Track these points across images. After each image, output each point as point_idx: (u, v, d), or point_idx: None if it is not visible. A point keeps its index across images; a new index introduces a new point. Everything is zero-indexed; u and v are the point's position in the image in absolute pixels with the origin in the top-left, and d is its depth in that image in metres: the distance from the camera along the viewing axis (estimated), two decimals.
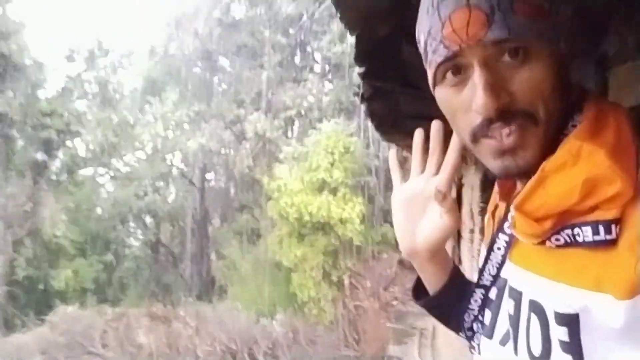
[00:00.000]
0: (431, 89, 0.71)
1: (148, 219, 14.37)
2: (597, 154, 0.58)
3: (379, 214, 12.77)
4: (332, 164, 12.10)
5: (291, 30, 16.66)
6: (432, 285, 0.84)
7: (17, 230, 11.26)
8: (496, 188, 0.78)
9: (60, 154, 13.14)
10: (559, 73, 0.64)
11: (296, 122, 16.06)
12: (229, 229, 13.77)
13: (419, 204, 0.76)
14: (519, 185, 0.72)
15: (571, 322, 0.58)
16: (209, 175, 15.37)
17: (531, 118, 0.62)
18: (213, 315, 10.71)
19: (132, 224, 14.48)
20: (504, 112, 0.61)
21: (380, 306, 11.20)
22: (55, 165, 13.27)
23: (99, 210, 13.73)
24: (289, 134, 15.69)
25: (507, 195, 0.74)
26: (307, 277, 11.26)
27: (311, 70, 16.95)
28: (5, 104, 12.85)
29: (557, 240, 0.59)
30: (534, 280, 0.64)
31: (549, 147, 0.63)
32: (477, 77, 0.62)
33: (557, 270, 0.60)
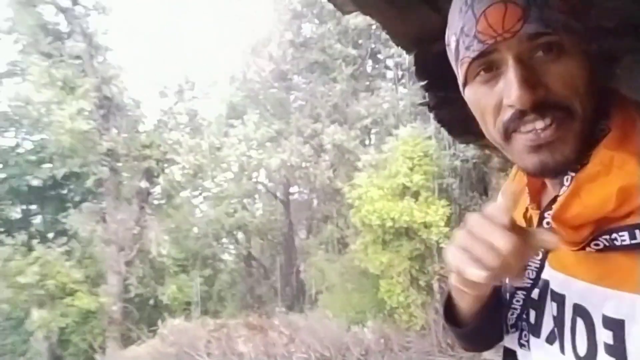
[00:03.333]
0: (461, 89, 0.71)
1: (239, 235, 15.26)
2: (629, 162, 0.58)
3: (464, 215, 12.41)
4: (411, 169, 12.02)
5: (361, 41, 16.86)
6: (474, 309, 0.80)
7: (128, 252, 12.53)
8: (526, 190, 0.76)
9: (160, 180, 14.39)
10: (592, 72, 0.64)
11: (373, 131, 16.16)
12: (314, 239, 14.14)
13: None
14: (549, 187, 0.72)
15: (617, 326, 0.58)
16: (293, 189, 15.95)
17: (567, 112, 0.62)
18: (305, 324, 11.03)
19: (225, 240, 15.46)
20: (539, 104, 0.61)
21: None
22: (156, 191, 14.57)
23: (195, 230, 14.84)
24: (367, 142, 15.83)
25: (536, 198, 0.75)
26: (395, 283, 11.22)
27: (383, 77, 17.00)
28: (111, 140, 14.39)
29: (597, 245, 0.60)
30: (577, 284, 0.64)
31: (585, 145, 0.63)
32: (511, 71, 0.62)
33: (599, 275, 0.61)
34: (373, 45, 17.07)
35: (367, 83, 16.81)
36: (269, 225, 15.00)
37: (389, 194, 11.74)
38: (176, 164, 14.14)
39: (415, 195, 11.71)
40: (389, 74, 17.73)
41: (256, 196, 15.76)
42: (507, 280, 0.76)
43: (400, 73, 16.92)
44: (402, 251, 11.25)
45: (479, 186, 12.34)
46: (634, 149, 0.59)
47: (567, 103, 0.62)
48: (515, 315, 0.77)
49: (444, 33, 0.73)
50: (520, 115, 0.63)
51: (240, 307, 13.04)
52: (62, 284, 11.53)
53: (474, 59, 0.65)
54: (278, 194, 15.41)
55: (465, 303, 0.80)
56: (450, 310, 0.85)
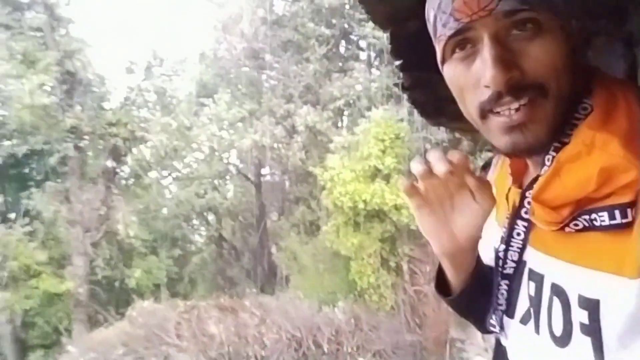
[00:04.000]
0: (440, 66, 0.70)
1: (210, 216, 15.09)
2: (611, 143, 0.57)
3: None
4: (383, 151, 12.10)
5: (334, 21, 16.67)
6: (461, 277, 0.80)
7: (94, 233, 12.23)
8: (507, 169, 0.77)
9: (127, 160, 14.03)
10: (571, 50, 0.63)
11: (345, 112, 16.13)
12: (286, 221, 14.15)
13: (445, 203, 0.69)
14: (530, 167, 0.72)
15: (592, 305, 0.58)
16: (264, 171, 15.84)
17: (542, 91, 0.61)
18: (277, 305, 11.10)
19: (195, 221, 15.27)
20: (514, 86, 0.61)
21: None
22: (124, 171, 14.22)
23: (165, 211, 14.60)
24: (339, 124, 15.80)
25: (519, 178, 0.74)
26: (366, 264, 11.38)
27: (357, 59, 16.91)
28: (75, 117, 13.87)
29: (576, 225, 0.60)
30: (556, 264, 0.64)
31: (559, 125, 0.63)
32: (486, 50, 0.61)
33: (578, 255, 0.61)
34: (346, 26, 16.93)
35: (340, 64, 16.70)
36: (240, 207, 14.91)
37: (360, 176, 11.80)
38: (144, 142, 13.80)
39: (387, 177, 11.82)
40: (362, 55, 17.65)
41: (227, 177, 15.58)
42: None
43: (373, 54, 16.88)
44: (373, 233, 11.38)
45: None
46: (616, 129, 0.58)
47: (543, 82, 0.61)
48: (500, 314, 0.76)
49: (421, 11, 0.72)
50: (497, 97, 0.62)
51: (211, 289, 12.99)
52: (25, 265, 11.19)
53: (450, 37, 0.65)
54: (249, 175, 15.27)
55: (451, 270, 0.80)
56: (441, 281, 0.85)
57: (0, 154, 13.72)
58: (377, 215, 11.63)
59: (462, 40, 0.64)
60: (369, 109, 14.17)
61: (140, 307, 10.77)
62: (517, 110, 0.62)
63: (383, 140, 12.14)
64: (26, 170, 14.62)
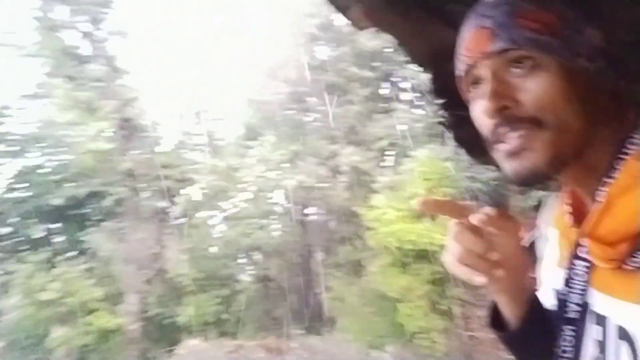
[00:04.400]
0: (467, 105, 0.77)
1: (256, 255, 15.28)
2: None
3: None
4: (429, 190, 12.00)
5: (375, 64, 17.06)
6: (516, 312, 0.77)
7: (147, 271, 12.63)
8: (567, 209, 0.76)
9: (178, 200, 14.55)
10: (576, 84, 0.66)
11: (389, 152, 16.22)
12: (332, 261, 14.11)
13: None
14: (587, 204, 0.71)
15: None
16: (309, 210, 15.99)
17: (537, 123, 0.65)
18: (324, 348, 10.94)
19: (242, 260, 15.48)
20: (509, 117, 0.66)
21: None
22: (175, 211, 14.72)
23: (213, 250, 14.91)
24: (383, 164, 15.89)
25: (579, 217, 0.73)
26: (414, 307, 11.10)
27: (399, 99, 17.13)
28: (130, 161, 14.64)
29: (634, 262, 0.58)
30: (619, 305, 0.62)
31: (565, 156, 0.66)
32: (485, 85, 0.68)
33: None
34: (387, 68, 17.26)
35: (383, 105, 16.93)
36: (286, 247, 15.02)
37: (406, 216, 11.71)
38: (194, 184, 14.31)
39: (433, 217, 11.66)
40: (404, 96, 17.84)
41: (273, 217, 15.83)
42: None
43: (415, 95, 17.05)
44: (422, 275, 11.15)
45: (500, 208, 12.26)
46: None
47: (536, 115, 0.65)
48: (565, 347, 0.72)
49: None
50: (495, 127, 0.67)
51: (258, 329, 12.97)
52: (82, 302, 11.61)
53: (462, 76, 0.73)
54: (295, 215, 15.46)
55: (504, 305, 0.78)
56: (495, 317, 0.81)
57: (63, 195, 14.55)
58: (426, 256, 11.40)
59: (472, 79, 0.72)
60: (412, 148, 14.22)
61: (188, 345, 10.88)
62: (515, 138, 0.66)
63: (429, 180, 12.07)
64: (85, 211, 15.40)
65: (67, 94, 15.07)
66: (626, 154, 0.65)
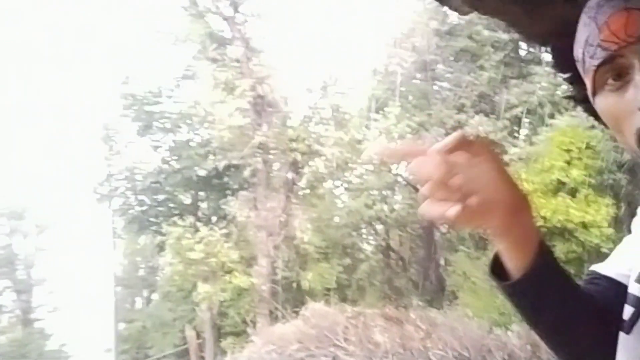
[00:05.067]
0: (591, 99, 0.70)
1: (378, 226, 15.46)
2: None
3: (635, 216, 10.78)
4: (568, 162, 10.84)
5: None
6: (517, 260, 0.69)
7: (276, 237, 13.63)
8: None
9: (305, 172, 15.30)
10: None
11: (524, 121, 14.93)
12: (456, 234, 13.65)
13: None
14: None
15: None
16: None
17: None
18: (444, 321, 10.72)
19: (364, 230, 15.82)
20: None
21: None
22: (302, 182, 15.55)
23: (336, 219, 15.45)
24: (516, 134, 14.70)
25: None
26: None
27: (539, 62, 15.54)
28: (263, 135, 15.71)
29: None
30: None
31: None
32: (638, 73, 0.61)
33: None
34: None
35: (519, 69, 15.53)
36: (408, 218, 14.92)
37: (540, 190, 10.76)
38: (320, 156, 14.85)
39: (572, 192, 10.54)
40: (547, 58, 16.12)
41: (396, 188, 15.78)
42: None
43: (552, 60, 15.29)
44: (555, 253, 10.22)
45: None
46: None
47: None
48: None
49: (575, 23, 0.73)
50: None
51: (378, 298, 13.24)
52: (222, 262, 13.05)
53: (599, 66, 0.65)
54: (418, 187, 15.19)
55: (504, 252, 0.70)
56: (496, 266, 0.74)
57: (206, 167, 16.30)
58: (561, 233, 10.43)
59: (612, 69, 0.64)
60: (552, 116, 12.88)
61: (312, 308, 11.52)
62: None
63: (569, 151, 10.88)
64: (225, 181, 17.09)
65: (210, 74, 16.59)
66: None
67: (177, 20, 17.36)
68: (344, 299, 13.05)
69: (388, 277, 14.71)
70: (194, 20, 17.20)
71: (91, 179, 18.27)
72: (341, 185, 16.61)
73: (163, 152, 18.15)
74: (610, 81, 0.64)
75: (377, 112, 15.91)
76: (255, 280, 13.02)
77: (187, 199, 17.66)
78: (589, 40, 0.65)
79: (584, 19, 0.68)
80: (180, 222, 14.04)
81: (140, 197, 17.63)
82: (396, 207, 15.16)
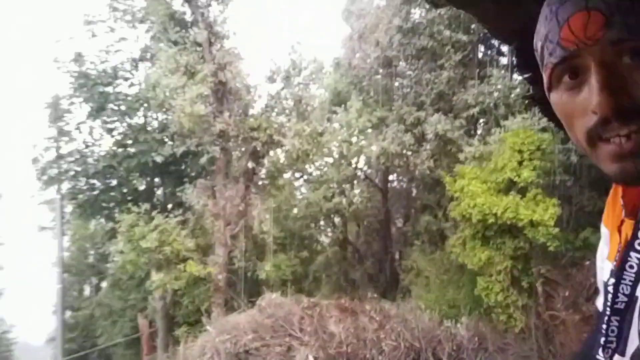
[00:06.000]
0: (546, 93, 0.71)
1: (336, 219, 15.63)
2: None
3: (580, 217, 11.43)
4: (520, 163, 11.32)
5: (473, 26, 16.06)
6: None
7: (234, 227, 13.49)
8: (620, 202, 0.74)
9: (265, 162, 15.20)
10: None
11: (480, 121, 15.43)
12: (411, 229, 14.01)
13: None
14: None
15: None
16: (391, 177, 15.88)
17: None
18: (397, 313, 11.05)
19: (322, 222, 15.94)
20: (622, 112, 0.60)
21: (581, 319, 10.04)
22: (262, 171, 15.44)
23: (295, 211, 15.48)
24: (472, 132, 15.18)
25: (633, 210, 0.72)
26: (494, 281, 10.75)
27: (496, 65, 16.07)
28: (224, 123, 15.43)
29: None
30: None
31: None
32: (594, 76, 0.61)
33: None
34: (486, 31, 16.10)
35: (477, 70, 16.01)
36: (366, 212, 15.16)
37: (493, 189, 11.19)
38: (281, 146, 14.79)
39: (523, 191, 11.03)
40: (503, 61, 16.70)
41: (355, 182, 15.98)
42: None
43: (515, 59, 15.85)
44: (504, 249, 10.71)
45: (599, 185, 11.22)
46: None
47: None
48: (609, 353, 0.72)
49: None
50: (604, 123, 0.61)
51: (334, 289, 13.43)
52: (177, 250, 12.79)
53: (556, 64, 0.66)
54: (376, 181, 15.45)
55: None
56: None
57: (163, 153, 15.86)
58: (510, 230, 10.91)
59: (569, 68, 0.65)
60: (505, 117, 13.38)
61: (268, 298, 11.55)
62: (627, 138, 0.61)
63: (521, 152, 11.36)
64: (182, 168, 16.70)
65: (170, 57, 16.07)
66: None
67: None
68: (300, 290, 13.15)
69: (344, 270, 14.93)
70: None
71: (39, 160, 17.38)
72: (301, 177, 16.64)
73: (117, 135, 17.50)
74: (566, 79, 0.66)
75: (338, 105, 15.99)
76: (211, 270, 12.87)
77: (142, 185, 17.13)
78: (549, 36, 0.66)
79: (545, 11, 0.68)
80: (134, 208, 13.62)
81: (92, 181, 16.93)
82: (355, 200, 15.36)
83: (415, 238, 13.65)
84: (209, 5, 17.27)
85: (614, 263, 0.72)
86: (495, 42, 16.34)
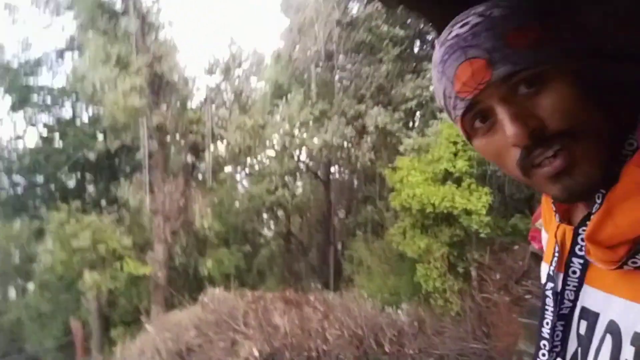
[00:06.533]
0: (469, 143, 0.74)
1: (279, 212, 15.59)
2: None
3: (510, 204, 12.13)
4: (455, 154, 11.80)
5: (409, 22, 16.49)
6: None
7: (173, 222, 13.10)
8: (552, 207, 0.76)
9: (205, 156, 14.86)
10: (585, 86, 0.63)
11: (417, 114, 15.92)
12: (353, 220, 14.24)
13: None
14: (579, 203, 0.72)
15: None
16: (333, 169, 16.04)
17: (570, 135, 0.62)
18: (340, 302, 11.21)
19: (265, 215, 15.85)
20: (539, 137, 0.62)
21: (511, 300, 10.67)
22: (202, 166, 15.08)
23: (237, 204, 15.26)
24: (411, 125, 15.64)
25: (566, 215, 0.74)
26: (432, 268, 11.18)
27: (431, 59, 16.58)
28: (161, 115, 14.90)
29: (634, 263, 0.59)
30: (615, 301, 0.63)
31: (608, 160, 0.63)
32: (500, 112, 0.64)
33: (637, 292, 0.60)
34: (421, 26, 16.66)
35: (414, 64, 16.48)
36: (309, 204, 15.23)
37: (430, 179, 11.60)
38: (221, 140, 14.52)
39: (458, 181, 11.52)
40: None
41: (297, 175, 15.99)
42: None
43: None
44: (441, 237, 11.15)
45: None
46: None
47: (566, 127, 0.62)
48: (554, 354, 0.74)
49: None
50: (528, 152, 0.64)
51: (278, 282, 13.41)
52: (112, 249, 12.22)
53: (463, 116, 0.69)
54: (319, 174, 15.56)
55: None
56: None
57: (95, 147, 15.09)
58: (447, 219, 11.37)
59: (476, 114, 0.68)
60: (441, 110, 13.89)
61: (211, 294, 11.34)
62: (555, 157, 0.63)
63: (455, 143, 11.84)
64: (117, 163, 15.95)
65: (100, 48, 15.27)
66: (626, 155, 0.63)
67: None
68: (244, 284, 13.01)
69: (288, 262, 14.94)
70: None
71: None
72: (243, 170, 16.43)
73: (43, 129, 16.41)
74: (478, 124, 0.68)
75: (280, 98, 15.91)
76: (150, 267, 12.43)
77: (71, 182, 16.18)
78: (446, 93, 0.69)
79: (435, 74, 0.71)
80: (64, 206, 12.84)
81: (16, 177, 15.78)
82: (297, 193, 15.39)
83: (358, 229, 13.90)
84: None
85: (552, 268, 0.74)
86: (430, 37, 16.90)
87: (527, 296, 10.57)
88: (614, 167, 0.62)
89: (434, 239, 11.23)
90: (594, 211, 0.64)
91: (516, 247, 11.48)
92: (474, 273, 11.19)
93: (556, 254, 0.74)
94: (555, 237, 0.76)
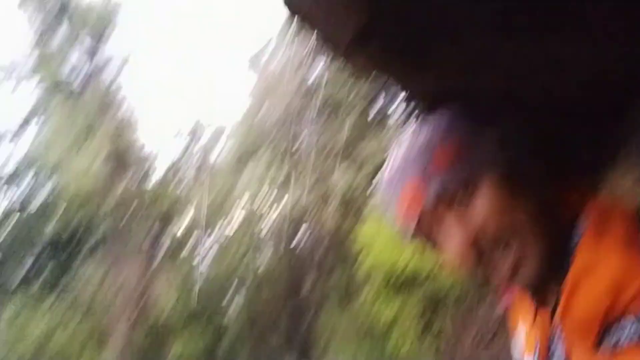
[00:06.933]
0: None
1: (246, 284, 14.92)
2: (611, 257, 0.60)
3: None
4: None
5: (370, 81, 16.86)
6: None
7: (133, 307, 12.33)
8: (529, 295, 0.78)
9: (167, 232, 14.18)
10: (513, 189, 0.67)
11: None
12: (322, 288, 13.92)
13: None
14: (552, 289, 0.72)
15: None
16: (299, 235, 15.69)
17: (505, 241, 0.66)
18: None
19: (231, 291, 15.10)
20: (483, 246, 0.67)
21: (490, 355, 10.37)
22: (166, 241, 14.27)
23: (200, 284, 14.22)
24: (377, 185, 15.67)
25: (544, 301, 0.74)
26: (407, 328, 10.93)
27: (393, 117, 16.90)
28: (123, 191, 14.43)
29: (610, 339, 0.60)
30: None
31: (554, 250, 0.66)
32: (446, 229, 0.70)
33: None
34: (383, 84, 17.00)
35: (378, 124, 16.70)
36: (275, 275, 14.78)
37: (396, 241, 11.48)
38: (183, 215, 14.20)
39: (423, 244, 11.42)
40: (399, 113, 17.62)
41: (261, 245, 15.52)
42: None
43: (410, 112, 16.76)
44: (413, 298, 10.97)
45: None
46: (611, 245, 0.62)
47: (501, 233, 0.65)
48: None
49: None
50: (480, 261, 0.68)
51: (250, 357, 12.77)
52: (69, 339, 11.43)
53: (418, 231, 0.74)
54: (284, 241, 15.23)
55: None
56: None
57: (55, 223, 14.49)
58: (416, 279, 11.19)
59: (428, 227, 0.73)
60: None
61: None
62: (498, 266, 0.67)
63: None
64: (76, 241, 15.22)
65: (64, 116, 15.08)
66: (576, 242, 0.66)
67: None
68: None
69: (258, 336, 14.31)
70: (43, 58, 15.58)
71: None
72: (205, 246, 15.84)
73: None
74: (434, 230, 0.74)
75: (244, 163, 15.81)
76: (109, 354, 11.70)
77: (30, 258, 15.28)
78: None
79: None
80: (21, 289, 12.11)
81: None
82: (263, 264, 14.95)
83: (327, 296, 13.55)
84: (109, 60, 16.58)
85: (536, 355, 0.74)
86: (393, 96, 17.24)
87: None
88: (572, 245, 0.65)
89: (407, 300, 11.03)
90: (561, 289, 0.66)
91: (489, 297, 11.30)
92: (450, 330, 10.93)
93: (537, 343, 0.75)
94: (534, 324, 0.76)
